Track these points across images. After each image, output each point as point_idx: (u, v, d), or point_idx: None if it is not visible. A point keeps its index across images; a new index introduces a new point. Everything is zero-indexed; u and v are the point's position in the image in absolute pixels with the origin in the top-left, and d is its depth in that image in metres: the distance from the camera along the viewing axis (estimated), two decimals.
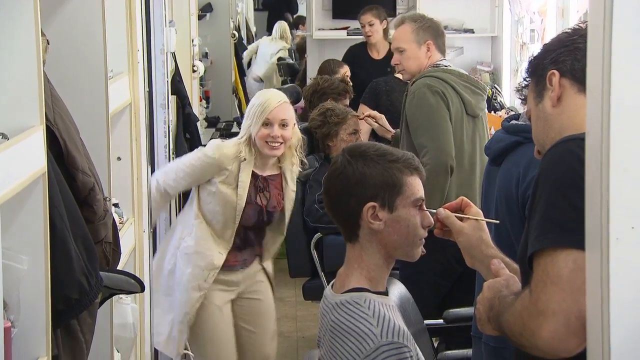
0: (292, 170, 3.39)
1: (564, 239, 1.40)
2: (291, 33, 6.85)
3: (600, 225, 1.23)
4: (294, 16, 8.06)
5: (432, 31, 3.71)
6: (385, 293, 2.01)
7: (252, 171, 3.27)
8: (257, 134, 3.20)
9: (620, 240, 1.21)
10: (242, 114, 7.57)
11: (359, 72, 5.54)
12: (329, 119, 4.14)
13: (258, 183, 3.31)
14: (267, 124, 3.19)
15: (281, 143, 3.21)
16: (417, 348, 1.89)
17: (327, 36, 6.49)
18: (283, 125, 3.21)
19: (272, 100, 3.24)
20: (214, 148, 3.29)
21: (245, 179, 3.24)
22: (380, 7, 5.74)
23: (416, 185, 1.97)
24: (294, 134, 3.30)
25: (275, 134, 3.18)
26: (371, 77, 5.19)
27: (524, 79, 1.90)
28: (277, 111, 3.21)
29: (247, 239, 3.40)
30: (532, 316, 1.40)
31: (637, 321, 1.21)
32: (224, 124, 6.79)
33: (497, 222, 2.14)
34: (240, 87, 7.29)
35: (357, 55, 5.78)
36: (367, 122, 4.33)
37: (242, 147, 3.23)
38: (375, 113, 4.31)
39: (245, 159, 3.23)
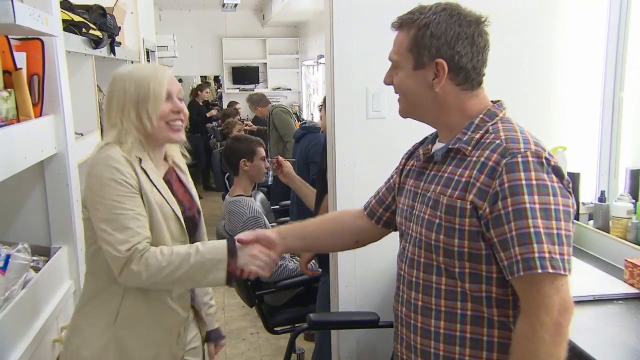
0: (179, 156, 2.17)
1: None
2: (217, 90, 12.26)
3: (334, 162, 2.73)
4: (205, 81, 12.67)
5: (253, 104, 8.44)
6: (251, 196, 3.61)
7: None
8: (161, 113, 1.93)
9: (340, 170, 2.72)
10: (194, 126, 10.63)
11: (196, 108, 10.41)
12: (229, 126, 8.41)
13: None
14: (168, 97, 1.97)
15: (182, 122, 2.01)
16: (266, 220, 3.50)
17: (230, 92, 12.21)
18: (180, 99, 2.02)
19: (163, 69, 2.01)
20: (106, 166, 1.84)
21: (159, 181, 1.97)
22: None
23: (262, 151, 3.64)
24: None
25: (180, 107, 1.98)
26: (203, 112, 10.47)
27: (319, 106, 3.70)
28: (173, 81, 2.01)
29: None
30: None
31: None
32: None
33: (294, 160, 4.18)
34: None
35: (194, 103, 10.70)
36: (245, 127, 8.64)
37: (128, 147, 1.90)
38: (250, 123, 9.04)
39: (140, 159, 1.92)
